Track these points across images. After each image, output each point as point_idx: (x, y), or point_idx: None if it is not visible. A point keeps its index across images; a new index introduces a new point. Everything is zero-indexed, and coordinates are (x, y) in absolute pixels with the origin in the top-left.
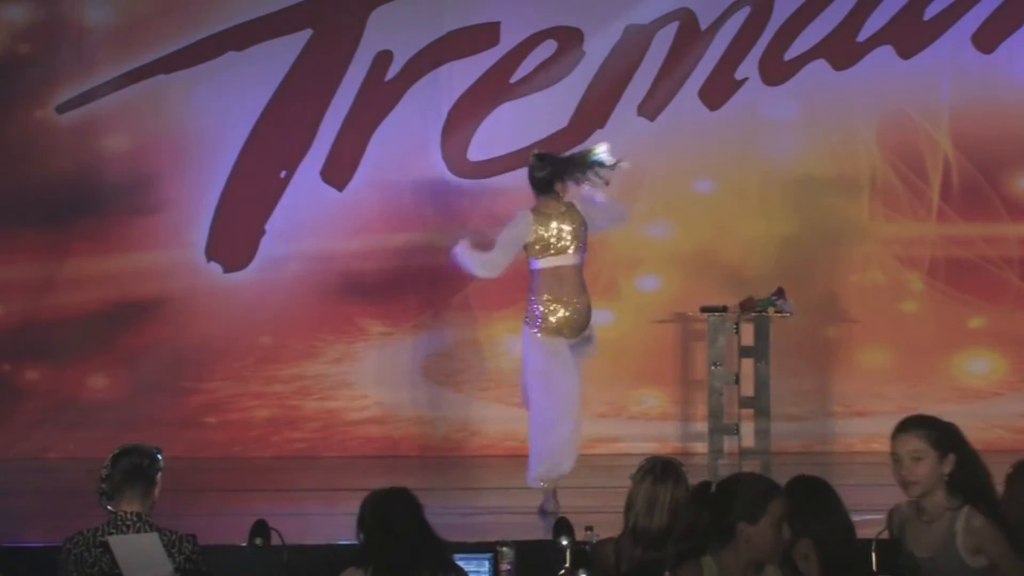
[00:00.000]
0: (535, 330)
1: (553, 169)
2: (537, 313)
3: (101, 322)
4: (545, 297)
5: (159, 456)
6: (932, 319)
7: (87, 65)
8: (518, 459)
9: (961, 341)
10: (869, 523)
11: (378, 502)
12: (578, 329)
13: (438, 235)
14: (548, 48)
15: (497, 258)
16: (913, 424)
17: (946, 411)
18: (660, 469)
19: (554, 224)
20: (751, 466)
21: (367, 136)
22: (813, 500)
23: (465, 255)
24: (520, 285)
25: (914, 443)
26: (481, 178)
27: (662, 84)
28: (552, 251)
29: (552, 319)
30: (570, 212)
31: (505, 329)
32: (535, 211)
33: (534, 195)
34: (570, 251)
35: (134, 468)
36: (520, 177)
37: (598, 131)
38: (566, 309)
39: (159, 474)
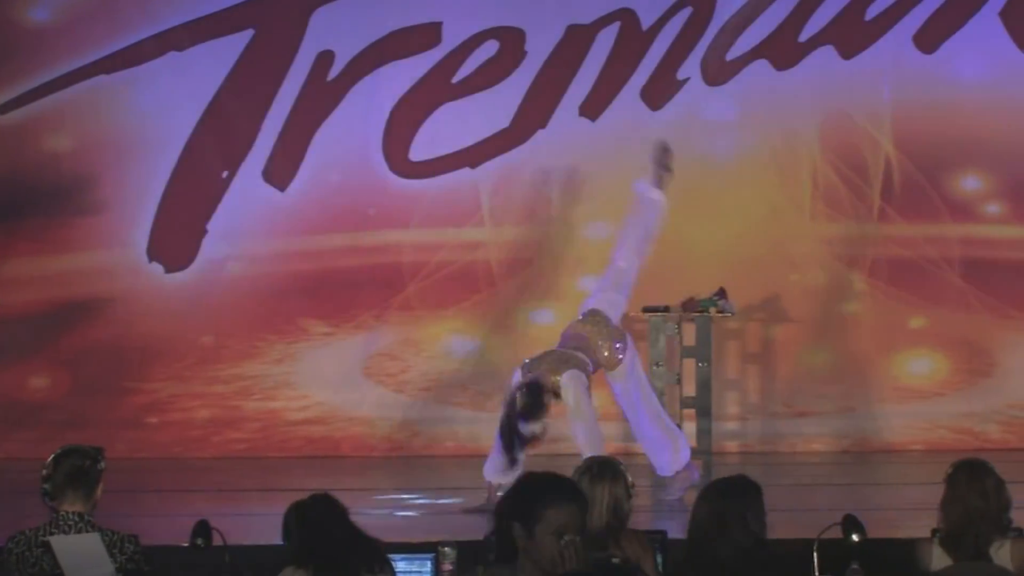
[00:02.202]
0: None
1: None
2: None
3: (42, 322)
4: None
5: (101, 456)
6: (873, 319)
7: (28, 66)
8: (459, 459)
9: (903, 341)
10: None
11: (302, 511)
12: None
13: (380, 235)
14: (490, 48)
15: None
16: None
17: (888, 411)
18: (598, 468)
19: None
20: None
21: (309, 136)
22: (733, 499)
23: None
24: (461, 286)
25: None
26: (423, 178)
27: (604, 84)
28: None
29: None
30: None
31: (446, 329)
32: None
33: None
34: None
35: (76, 469)
36: (462, 177)
37: (540, 131)
38: None
39: (101, 474)
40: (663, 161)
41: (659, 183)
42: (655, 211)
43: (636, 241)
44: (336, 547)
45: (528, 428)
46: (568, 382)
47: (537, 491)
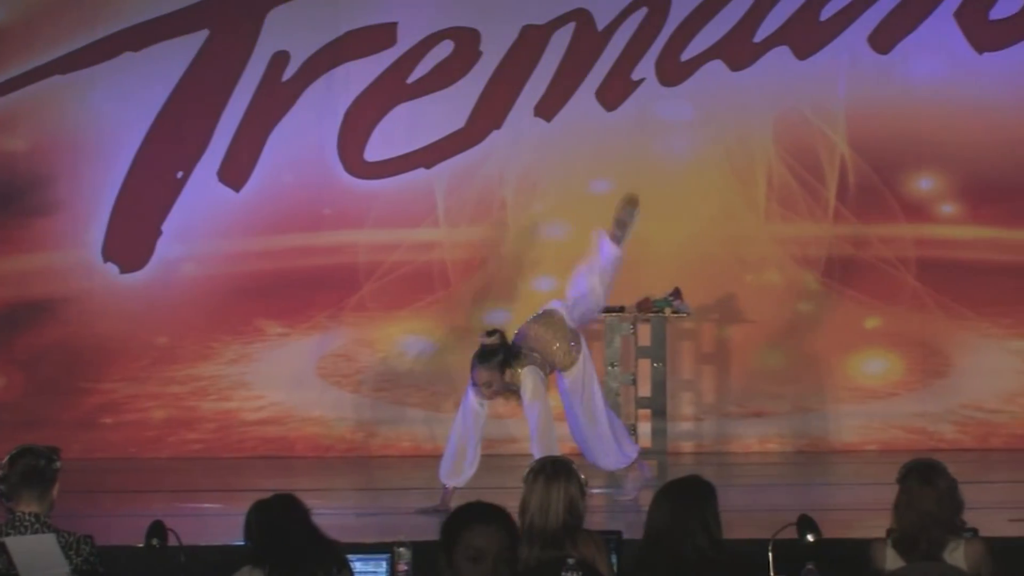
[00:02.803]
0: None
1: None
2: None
3: None
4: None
5: (56, 456)
6: (828, 319)
7: None
8: (414, 459)
9: (857, 341)
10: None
11: (262, 511)
12: None
13: (335, 236)
14: (445, 49)
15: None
16: None
17: (842, 411)
18: (551, 468)
19: None
20: (648, 467)
21: (264, 137)
22: (687, 499)
23: None
24: (416, 287)
25: None
26: (378, 178)
27: (559, 85)
28: None
29: None
30: None
31: (401, 330)
32: None
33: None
34: None
35: (31, 469)
36: (417, 177)
37: (495, 132)
38: None
39: (57, 474)
40: (626, 220)
41: (619, 239)
42: (611, 264)
43: (590, 283)
44: (294, 547)
45: (481, 372)
46: (528, 373)
47: (455, 516)
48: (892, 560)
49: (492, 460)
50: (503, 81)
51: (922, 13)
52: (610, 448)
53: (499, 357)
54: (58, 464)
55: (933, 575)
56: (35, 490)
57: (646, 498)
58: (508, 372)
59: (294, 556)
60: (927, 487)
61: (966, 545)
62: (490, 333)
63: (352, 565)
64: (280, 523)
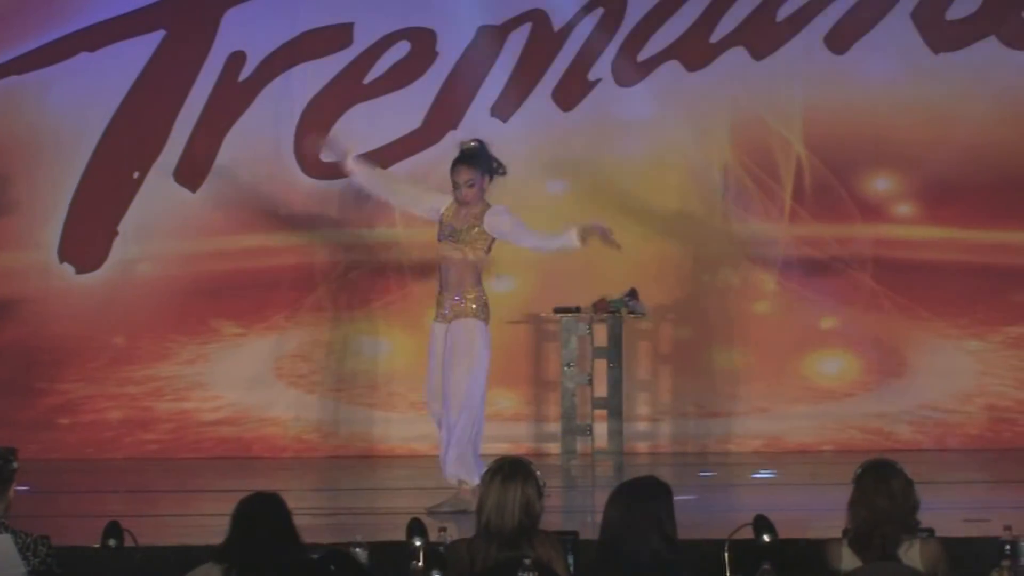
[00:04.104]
0: (486, 323)
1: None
2: (486, 305)
3: None
4: (483, 287)
5: (13, 457)
6: (785, 320)
7: None
8: (370, 459)
9: (813, 341)
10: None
11: (245, 506)
12: None
13: (291, 236)
14: (401, 49)
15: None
16: None
17: (799, 412)
18: (509, 468)
19: None
20: (604, 467)
21: (220, 137)
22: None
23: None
24: (372, 287)
25: None
26: (334, 179)
27: (515, 85)
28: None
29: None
30: None
31: (358, 330)
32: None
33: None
34: None
35: None
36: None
37: (451, 132)
38: None
39: (14, 475)
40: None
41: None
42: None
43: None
44: (261, 548)
45: (463, 171)
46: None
47: None
48: (848, 560)
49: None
50: (459, 82)
51: (878, 13)
52: None
53: (484, 162)
54: (15, 464)
55: (888, 575)
56: None
57: (603, 498)
58: (488, 178)
59: (263, 556)
60: (881, 484)
61: (922, 545)
62: (472, 140)
63: None
64: (258, 521)
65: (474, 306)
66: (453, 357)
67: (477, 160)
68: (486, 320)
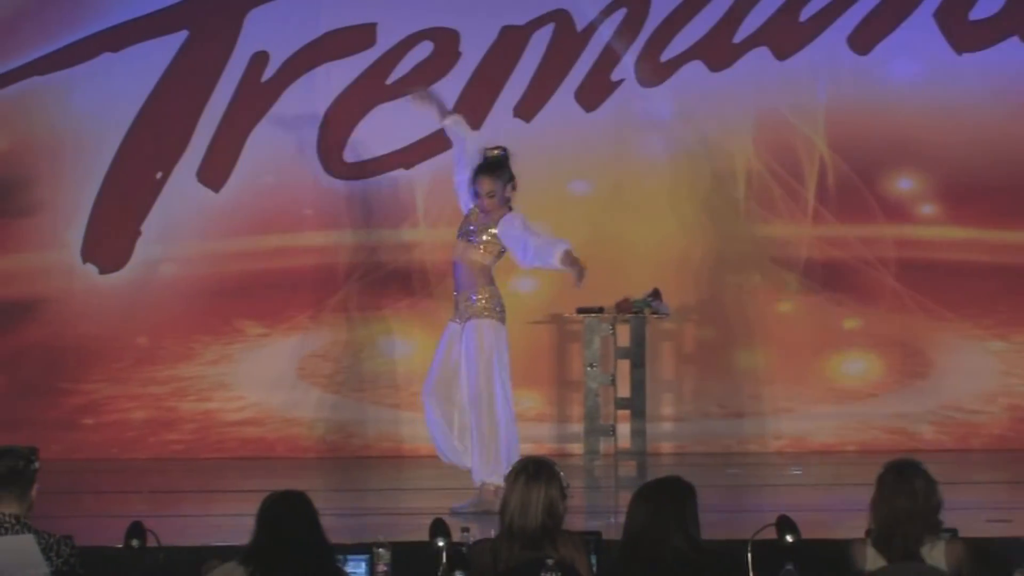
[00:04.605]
0: (502, 321)
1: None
2: (501, 304)
3: None
4: (496, 286)
5: (35, 457)
6: (808, 320)
7: None
8: (393, 460)
9: (837, 342)
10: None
11: (270, 504)
12: None
13: (315, 236)
14: (424, 49)
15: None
16: None
17: (822, 412)
18: (533, 469)
19: None
20: (627, 468)
21: (243, 137)
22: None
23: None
24: (396, 287)
25: None
26: (358, 179)
27: (538, 85)
28: None
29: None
30: None
31: (381, 330)
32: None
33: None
34: None
35: (9, 470)
36: (397, 178)
37: (475, 133)
38: None
39: (35, 474)
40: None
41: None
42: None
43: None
44: (287, 548)
45: (485, 181)
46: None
47: None
48: (872, 560)
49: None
50: (483, 82)
51: (902, 14)
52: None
53: (507, 172)
54: (36, 464)
55: (912, 575)
56: (14, 491)
57: (626, 498)
58: (510, 187)
59: (289, 557)
60: (903, 483)
61: (946, 545)
62: (495, 147)
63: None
64: (283, 520)
65: (488, 305)
66: (470, 358)
67: (500, 170)
68: (501, 319)
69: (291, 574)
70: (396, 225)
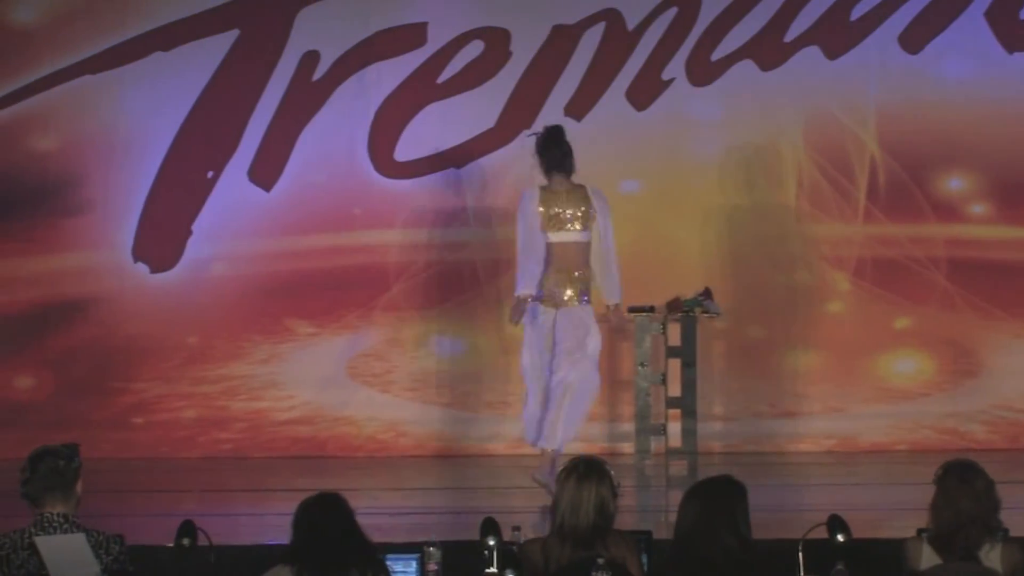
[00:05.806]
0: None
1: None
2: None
3: (28, 323)
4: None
5: (76, 454)
6: (858, 319)
7: (13, 66)
8: (444, 459)
9: (887, 341)
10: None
11: (307, 508)
12: None
13: (365, 235)
14: (475, 48)
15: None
16: None
17: (873, 411)
18: (584, 468)
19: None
20: (678, 467)
21: (294, 136)
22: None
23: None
24: (446, 286)
25: None
26: (408, 178)
27: (589, 84)
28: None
29: None
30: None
31: (432, 329)
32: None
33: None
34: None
35: (51, 470)
36: (448, 177)
37: (525, 132)
38: None
39: (78, 472)
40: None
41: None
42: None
43: None
44: (328, 548)
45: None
46: None
47: None
48: (928, 558)
49: (518, 460)
50: (533, 81)
51: (952, 13)
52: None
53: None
54: (78, 461)
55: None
56: (59, 491)
57: (676, 497)
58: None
59: (331, 555)
60: (965, 486)
61: (1003, 548)
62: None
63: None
64: (322, 522)
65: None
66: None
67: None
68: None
69: (334, 571)
70: (446, 224)
